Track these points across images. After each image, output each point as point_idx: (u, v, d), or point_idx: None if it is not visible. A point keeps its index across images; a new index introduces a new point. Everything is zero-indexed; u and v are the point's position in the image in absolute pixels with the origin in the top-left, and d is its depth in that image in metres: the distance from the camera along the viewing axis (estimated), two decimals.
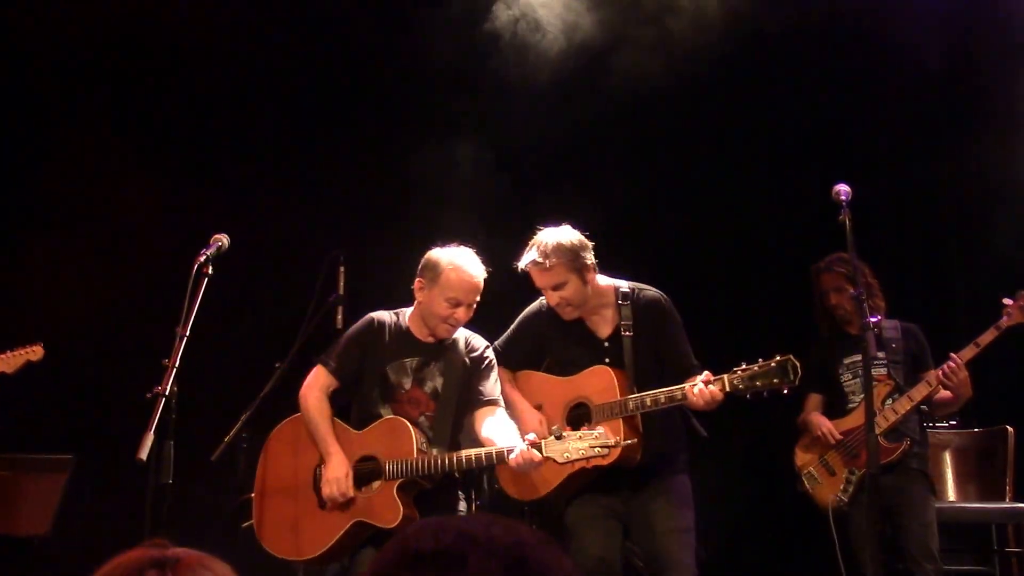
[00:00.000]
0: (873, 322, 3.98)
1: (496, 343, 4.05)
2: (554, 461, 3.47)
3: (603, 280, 3.95)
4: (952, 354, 4.39)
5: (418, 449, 3.71)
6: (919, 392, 4.48)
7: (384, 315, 3.95)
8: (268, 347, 4.60)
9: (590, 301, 3.90)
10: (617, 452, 3.54)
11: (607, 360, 3.85)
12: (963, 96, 5.61)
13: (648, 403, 3.70)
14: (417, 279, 3.86)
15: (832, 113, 5.88)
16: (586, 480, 3.81)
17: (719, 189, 5.98)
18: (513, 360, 4.04)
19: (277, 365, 4.27)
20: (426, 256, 3.88)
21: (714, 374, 3.62)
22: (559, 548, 1.15)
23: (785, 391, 3.56)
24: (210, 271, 3.58)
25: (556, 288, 3.83)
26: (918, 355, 4.64)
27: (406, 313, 3.96)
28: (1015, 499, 5.16)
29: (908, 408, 4.48)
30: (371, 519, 3.72)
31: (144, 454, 3.37)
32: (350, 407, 3.98)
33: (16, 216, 5.98)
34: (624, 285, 3.95)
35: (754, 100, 5.97)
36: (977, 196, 5.69)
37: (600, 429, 3.45)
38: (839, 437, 4.57)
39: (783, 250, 5.73)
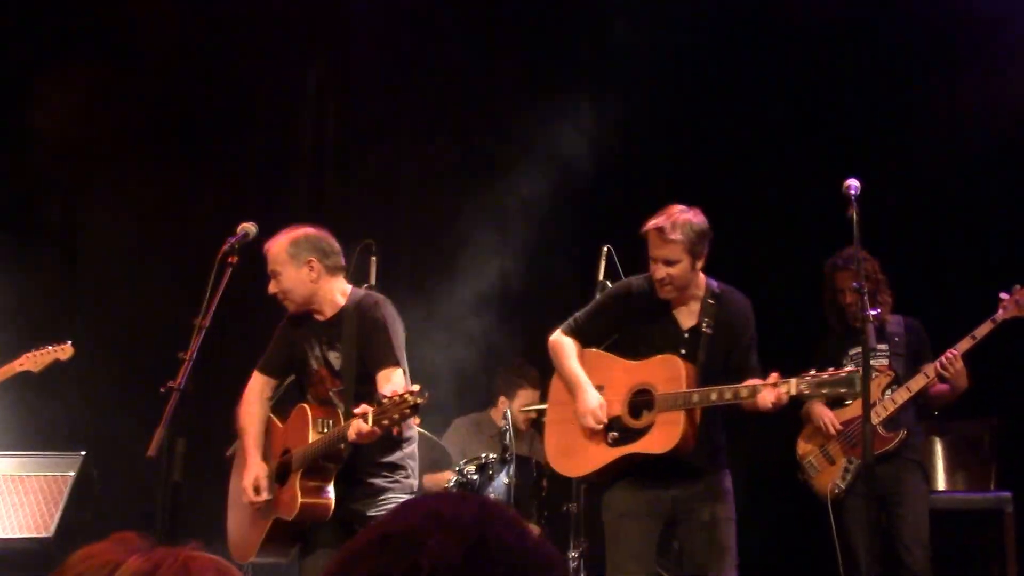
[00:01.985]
0: (874, 314, 3.96)
1: (576, 315, 3.94)
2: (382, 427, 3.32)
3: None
4: (949, 349, 4.42)
5: (316, 432, 3.58)
6: (917, 383, 4.50)
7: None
8: None
9: (688, 289, 3.82)
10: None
11: (683, 352, 3.77)
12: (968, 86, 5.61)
13: (713, 398, 3.64)
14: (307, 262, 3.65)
15: (843, 106, 5.86)
16: (636, 462, 3.73)
17: (727, 182, 5.93)
18: (587, 336, 3.91)
19: None
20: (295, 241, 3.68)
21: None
22: (524, 527, 1.11)
23: (848, 401, 3.57)
24: (235, 260, 3.44)
25: (668, 263, 3.72)
26: (919, 349, 4.66)
27: None
28: (999, 487, 5.21)
29: (906, 398, 4.50)
30: (280, 513, 3.65)
31: (154, 451, 3.25)
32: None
33: (32, 210, 5.78)
34: (716, 284, 3.88)
35: (764, 92, 5.95)
36: (976, 191, 5.71)
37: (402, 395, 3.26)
38: (839, 427, 4.57)
39: (791, 244, 5.72)
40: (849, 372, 3.58)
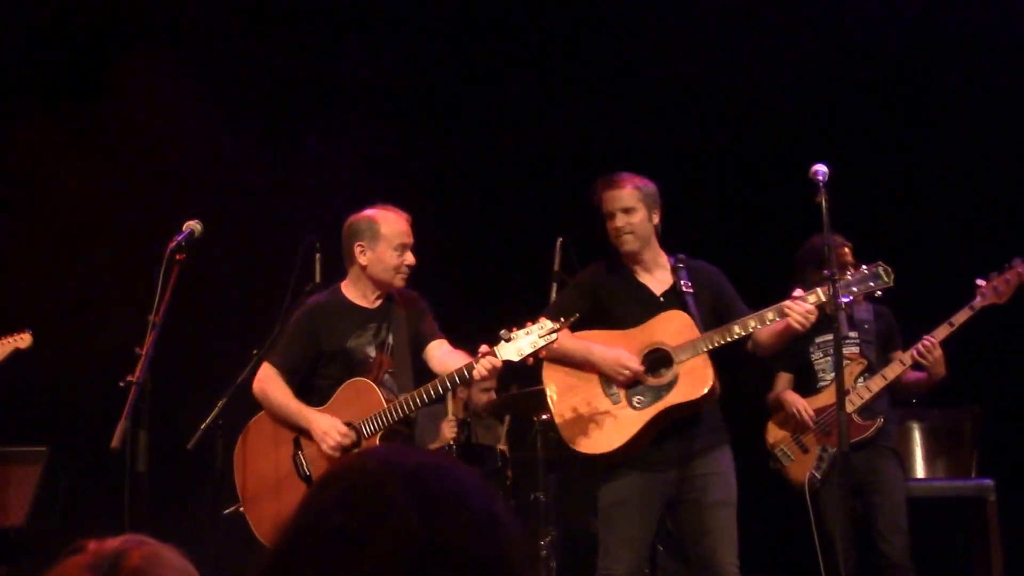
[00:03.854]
0: (845, 302, 3.85)
1: (549, 307, 3.89)
2: (511, 360, 3.43)
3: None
4: (926, 335, 4.30)
5: (386, 399, 3.61)
6: (892, 371, 4.39)
7: (320, 298, 3.85)
8: (244, 334, 4.43)
9: (650, 248, 3.80)
10: (563, 331, 3.48)
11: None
12: (941, 74, 5.47)
13: (737, 330, 3.60)
14: (355, 246, 3.73)
15: (811, 91, 5.72)
16: (662, 428, 3.64)
17: (694, 168, 5.82)
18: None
19: (255, 352, 4.08)
20: (350, 223, 3.78)
21: None
22: (463, 466, 1.09)
23: (879, 293, 3.60)
24: (183, 258, 3.42)
25: (625, 211, 3.73)
26: (889, 335, 4.55)
27: (340, 289, 3.84)
28: (980, 475, 5.08)
29: (881, 386, 4.38)
30: None
31: (117, 442, 3.23)
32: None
33: None
34: (678, 255, 3.89)
35: (733, 77, 5.81)
36: (953, 177, 5.57)
37: (542, 320, 3.41)
38: (813, 415, 4.45)
39: (759, 230, 5.60)
40: (874, 267, 3.57)
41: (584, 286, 3.88)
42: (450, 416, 4.67)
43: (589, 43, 5.82)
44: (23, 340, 4.34)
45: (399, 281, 3.75)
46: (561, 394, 3.75)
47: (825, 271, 3.86)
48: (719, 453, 3.73)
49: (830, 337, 4.11)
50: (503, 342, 3.42)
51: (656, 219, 3.80)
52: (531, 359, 3.47)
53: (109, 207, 5.62)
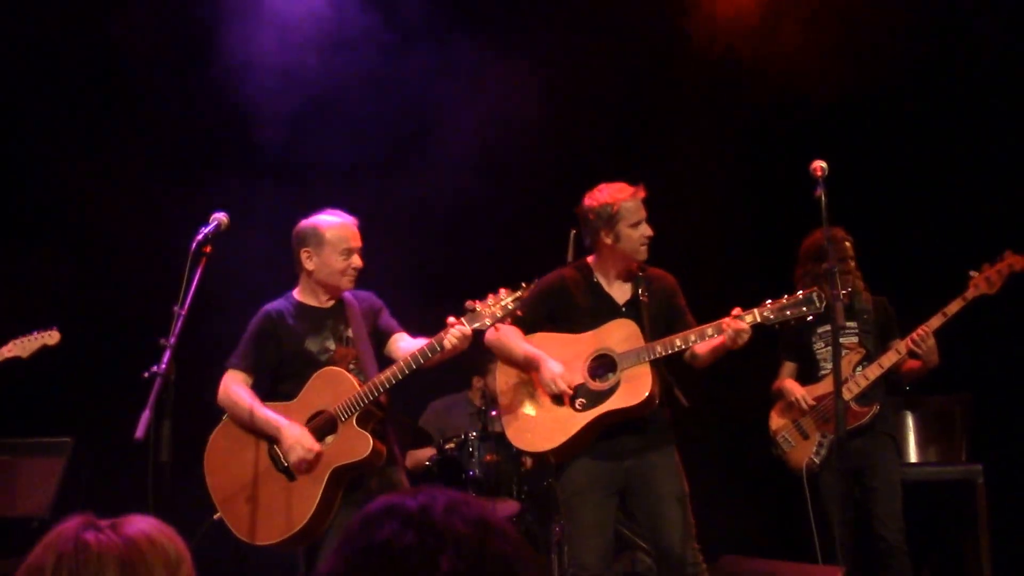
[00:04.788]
0: (844, 293, 3.93)
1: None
2: (482, 328, 3.55)
3: None
4: (920, 326, 4.39)
5: (358, 383, 3.68)
6: (889, 359, 4.47)
7: (276, 304, 3.91)
8: None
9: (626, 263, 3.88)
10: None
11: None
12: (936, 71, 5.53)
13: (678, 344, 3.67)
14: (302, 251, 3.82)
15: (809, 88, 5.78)
16: (603, 430, 3.71)
17: (693, 163, 5.86)
18: (526, 323, 3.89)
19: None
20: (296, 231, 3.86)
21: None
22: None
23: (810, 318, 3.68)
24: (209, 250, 3.41)
25: (647, 221, 3.83)
26: (887, 326, 4.63)
27: (293, 295, 3.93)
28: (970, 460, 5.19)
29: (878, 375, 4.47)
30: (344, 459, 3.63)
31: (141, 433, 3.24)
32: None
33: (14, 199, 5.74)
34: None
35: (731, 75, 5.86)
36: (946, 173, 5.65)
37: (502, 291, 3.53)
38: (812, 403, 4.54)
39: (759, 224, 5.66)
40: (808, 293, 3.61)
41: (552, 291, 3.93)
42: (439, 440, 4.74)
43: (590, 35, 5.85)
44: (51, 337, 4.33)
45: (346, 284, 3.84)
46: (506, 392, 3.85)
47: (825, 264, 3.95)
48: (667, 451, 3.80)
49: (830, 327, 4.19)
50: (469, 312, 3.54)
51: None
52: (497, 327, 3.59)
53: (135, 199, 5.61)
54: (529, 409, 3.76)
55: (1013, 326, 5.28)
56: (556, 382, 3.69)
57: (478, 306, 3.54)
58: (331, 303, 3.88)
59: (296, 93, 5.78)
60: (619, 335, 3.74)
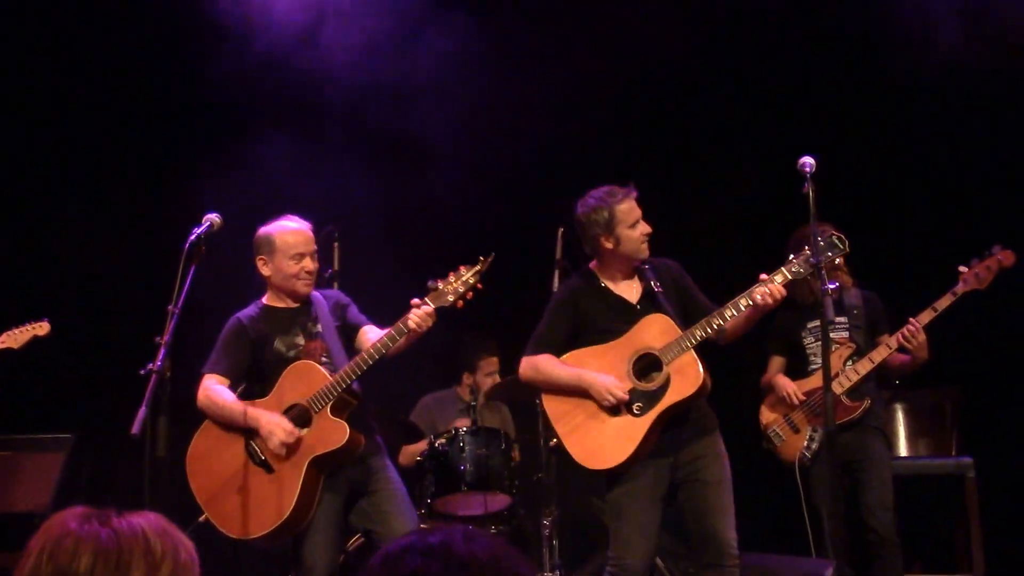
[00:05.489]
0: (832, 288, 3.93)
1: (534, 334, 3.89)
2: (445, 305, 3.59)
3: None
4: (911, 318, 4.40)
5: (329, 373, 3.74)
6: (879, 354, 4.49)
7: (245, 311, 3.98)
8: None
9: (629, 262, 3.87)
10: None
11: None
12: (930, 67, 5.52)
13: (716, 324, 3.66)
14: (257, 260, 3.91)
15: (798, 81, 5.77)
16: (663, 426, 3.69)
17: (681, 158, 5.87)
18: (554, 345, 3.85)
19: None
20: (254, 238, 3.94)
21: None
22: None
23: (838, 261, 3.72)
24: (203, 250, 3.45)
25: (643, 220, 3.83)
26: (876, 320, 4.63)
27: (262, 301, 4.00)
28: (960, 453, 5.21)
29: (869, 369, 4.49)
30: (322, 448, 3.68)
31: (137, 429, 3.27)
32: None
33: (13, 195, 5.75)
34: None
35: (719, 68, 5.86)
36: (936, 169, 5.64)
37: (461, 268, 3.61)
38: (802, 398, 4.55)
39: (747, 220, 5.67)
40: (828, 236, 3.63)
41: (567, 303, 3.91)
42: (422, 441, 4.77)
43: (584, 33, 5.85)
44: (41, 328, 4.36)
45: (302, 287, 3.90)
46: (562, 419, 3.79)
47: (811, 259, 3.95)
48: (711, 438, 3.80)
49: (819, 322, 4.20)
50: (432, 292, 3.61)
51: None
52: (460, 302, 3.62)
53: (129, 197, 5.64)
54: (590, 428, 3.70)
55: (1003, 320, 5.28)
56: (612, 392, 3.66)
57: (440, 284, 3.60)
58: (293, 304, 3.95)
59: (293, 93, 5.80)
60: (655, 330, 3.72)
